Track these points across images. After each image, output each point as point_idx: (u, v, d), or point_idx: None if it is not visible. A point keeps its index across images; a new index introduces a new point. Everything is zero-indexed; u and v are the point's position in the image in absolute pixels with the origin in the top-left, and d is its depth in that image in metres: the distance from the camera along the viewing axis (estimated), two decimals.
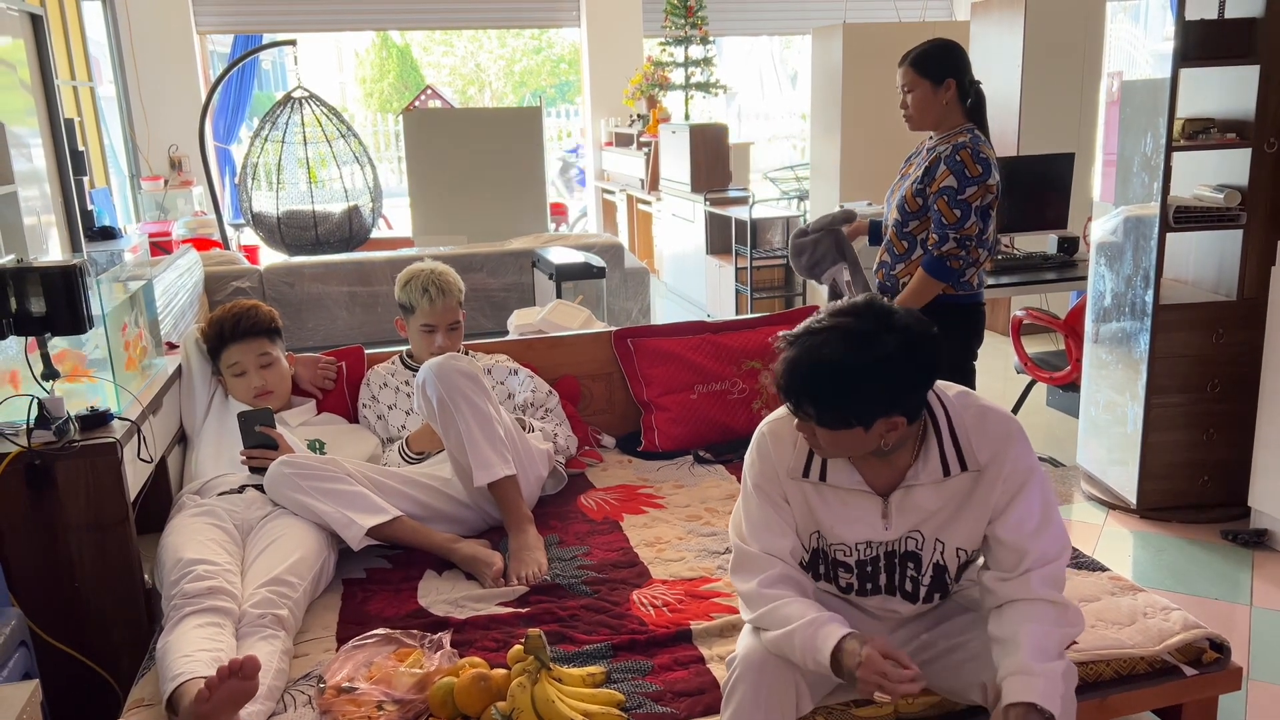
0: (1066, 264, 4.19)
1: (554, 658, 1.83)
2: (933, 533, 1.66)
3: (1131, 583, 2.13)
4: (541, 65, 18.11)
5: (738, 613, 1.81)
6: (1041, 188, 4.19)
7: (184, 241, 5.90)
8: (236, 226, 6.99)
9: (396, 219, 8.44)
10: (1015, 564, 1.61)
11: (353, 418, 2.85)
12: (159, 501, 2.46)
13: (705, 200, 6.42)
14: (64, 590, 2.07)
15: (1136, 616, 1.98)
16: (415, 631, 1.97)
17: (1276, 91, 3.07)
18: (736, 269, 6.10)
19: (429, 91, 9.01)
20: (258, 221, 5.64)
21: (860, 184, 5.79)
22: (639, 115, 8.05)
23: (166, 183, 7.23)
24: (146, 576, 2.20)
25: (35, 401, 2.06)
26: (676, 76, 8.05)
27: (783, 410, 1.67)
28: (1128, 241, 3.34)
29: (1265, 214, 3.15)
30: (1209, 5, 3.11)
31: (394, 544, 2.33)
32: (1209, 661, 1.92)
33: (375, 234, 5.99)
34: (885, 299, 1.59)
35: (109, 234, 5.49)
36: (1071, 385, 3.97)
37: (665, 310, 6.72)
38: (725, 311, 6.24)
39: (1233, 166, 3.18)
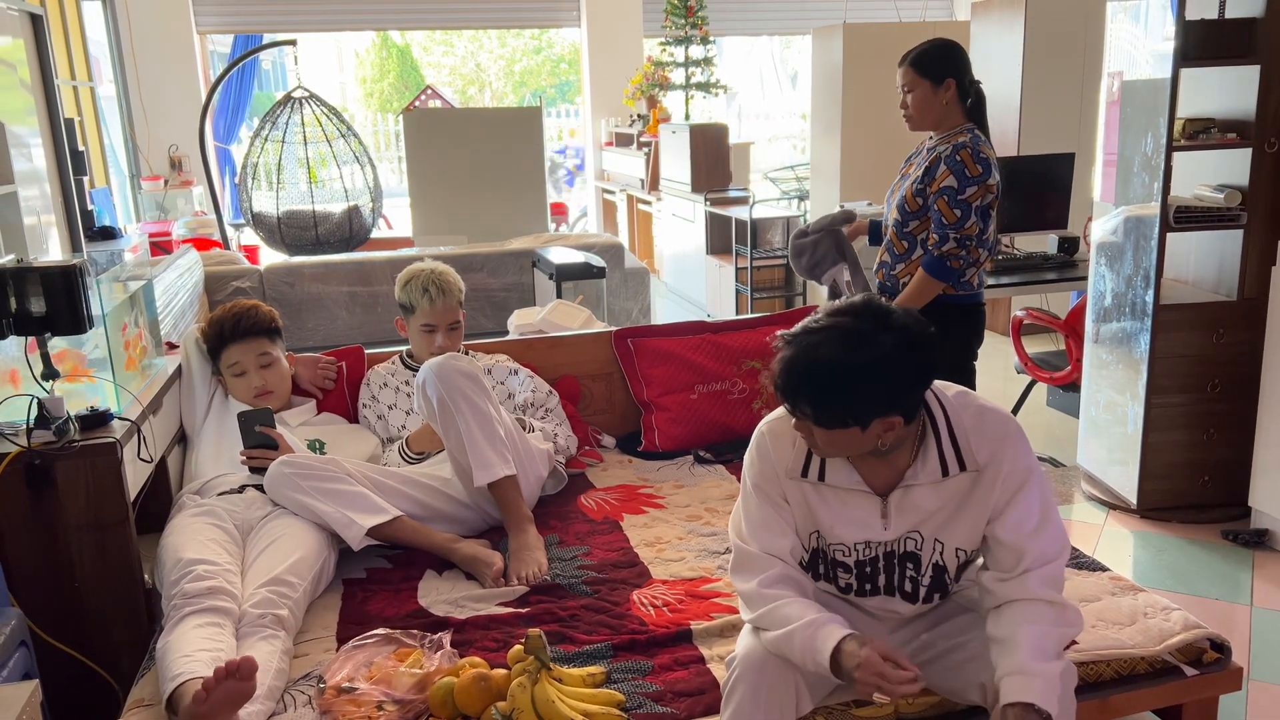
0: (1067, 264, 4.19)
1: (554, 658, 1.83)
2: (932, 533, 1.66)
3: (1132, 583, 2.13)
4: (542, 65, 18.11)
5: (738, 613, 1.81)
6: (1041, 188, 4.19)
7: (184, 241, 5.90)
8: (237, 226, 6.99)
9: (397, 219, 8.44)
10: (1014, 564, 1.61)
11: (353, 418, 2.85)
12: (159, 501, 2.46)
13: (705, 200, 6.42)
14: (64, 590, 2.08)
15: (1137, 616, 1.98)
16: (415, 631, 1.97)
17: (1277, 91, 3.07)
18: (737, 269, 6.10)
19: (429, 91, 9.01)
20: (258, 221, 5.64)
21: (860, 184, 5.79)
22: (639, 115, 8.05)
23: (166, 183, 7.23)
24: (146, 576, 2.20)
25: (35, 401, 2.06)
26: (677, 76, 8.05)
27: (782, 410, 1.67)
28: (1128, 241, 3.34)
29: (1265, 214, 3.15)
30: (1209, 5, 3.11)
31: (394, 544, 2.33)
32: (1209, 661, 1.92)
33: (375, 234, 5.99)
34: (884, 299, 1.59)
35: (109, 234, 5.49)
36: (1072, 385, 3.97)
37: (665, 310, 6.72)
38: (725, 311, 6.24)
39: (1233, 166, 3.18)
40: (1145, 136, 3.24)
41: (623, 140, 8.19)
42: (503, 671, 1.79)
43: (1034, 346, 4.41)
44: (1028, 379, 4.20)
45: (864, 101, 5.80)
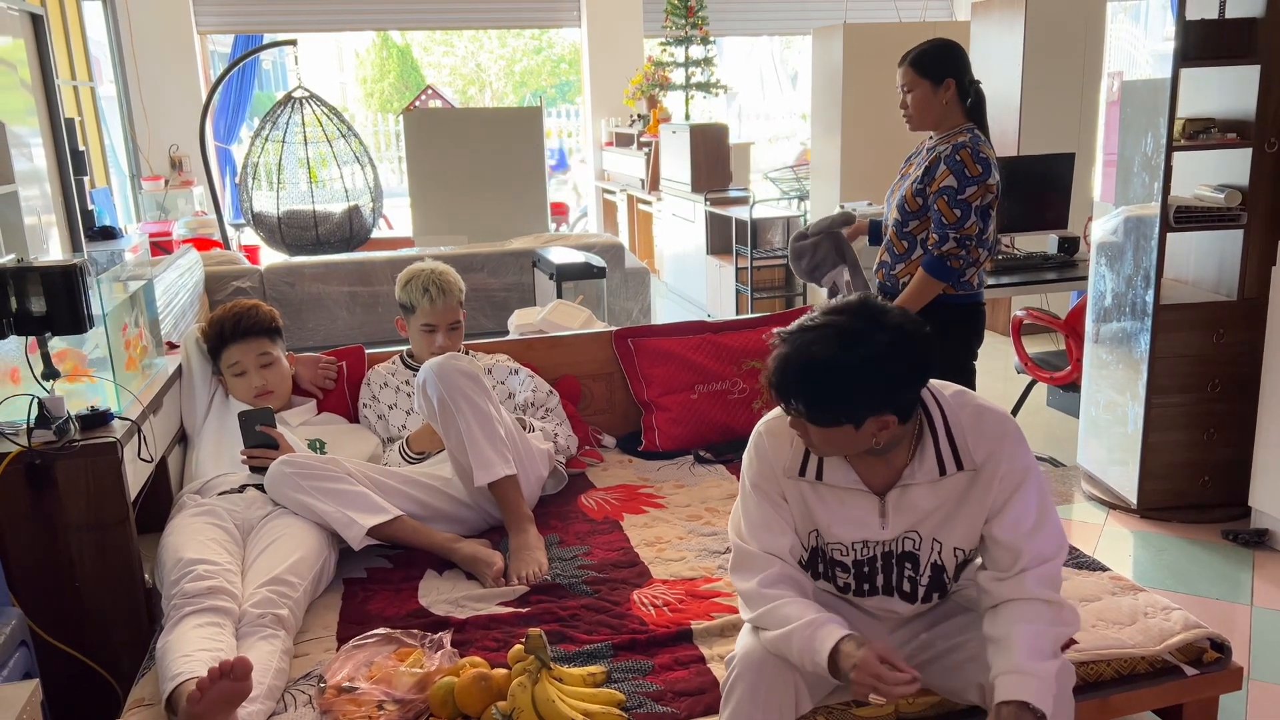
0: (1067, 264, 4.19)
1: (554, 657, 1.83)
2: (930, 532, 1.66)
3: (1132, 582, 2.13)
4: (542, 65, 18.11)
5: (738, 612, 1.81)
6: (1041, 188, 4.19)
7: (184, 241, 5.90)
8: (237, 226, 6.99)
9: (397, 219, 8.44)
10: (1011, 564, 1.61)
11: (353, 417, 2.85)
12: (159, 501, 2.46)
13: (705, 200, 6.42)
14: (64, 590, 2.08)
15: (1137, 616, 1.98)
16: (416, 631, 1.98)
17: (1277, 91, 3.07)
18: (737, 269, 6.10)
19: (429, 91, 9.01)
20: (258, 221, 5.64)
21: (860, 184, 5.79)
22: (639, 115, 8.05)
23: (167, 182, 7.23)
24: (147, 576, 2.20)
25: (36, 401, 2.06)
26: (677, 76, 8.05)
27: (780, 410, 1.67)
28: (1128, 241, 3.34)
29: (1266, 214, 3.15)
30: (1209, 5, 3.11)
31: (394, 544, 2.33)
32: (1210, 661, 1.92)
33: (376, 234, 5.99)
34: (880, 298, 1.59)
35: (109, 234, 5.49)
36: (1072, 385, 3.97)
37: (665, 310, 6.72)
38: (725, 311, 6.24)
39: (1233, 166, 3.18)
40: (1145, 136, 3.24)
41: (623, 140, 8.19)
42: (503, 671, 1.79)
43: (1034, 346, 4.41)
44: (1028, 379, 4.20)
45: (864, 101, 5.80)
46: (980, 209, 2.68)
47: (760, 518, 1.69)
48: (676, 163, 6.88)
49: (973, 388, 2.48)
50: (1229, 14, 3.09)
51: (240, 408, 2.57)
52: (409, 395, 2.78)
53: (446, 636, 1.95)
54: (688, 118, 8.03)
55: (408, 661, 1.85)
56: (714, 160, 6.66)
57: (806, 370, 1.51)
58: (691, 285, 6.99)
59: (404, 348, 2.91)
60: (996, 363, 4.89)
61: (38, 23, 4.83)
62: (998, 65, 5.09)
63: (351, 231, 5.67)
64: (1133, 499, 3.37)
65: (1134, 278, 3.30)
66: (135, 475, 2.16)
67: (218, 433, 2.59)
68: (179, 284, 3.41)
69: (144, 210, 7.21)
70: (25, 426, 2.04)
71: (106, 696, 2.11)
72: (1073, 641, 1.86)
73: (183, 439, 2.67)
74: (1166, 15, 3.26)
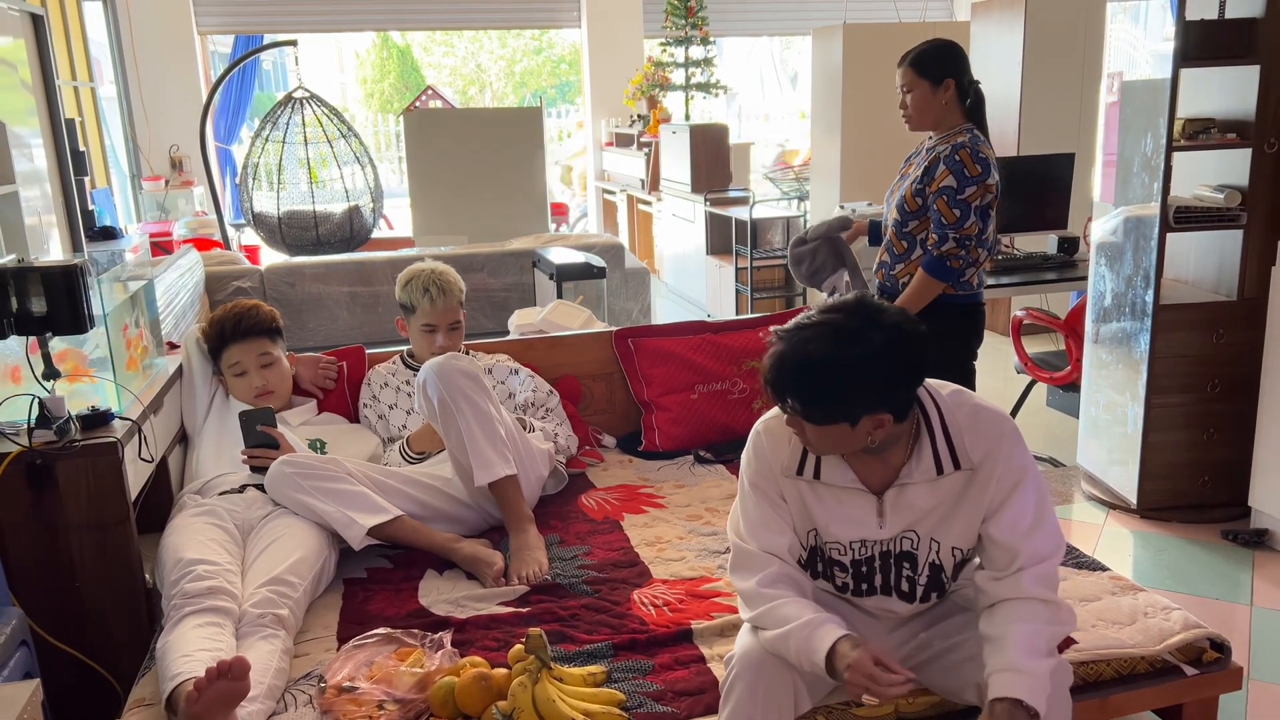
0: (1066, 264, 4.19)
1: (555, 657, 1.83)
2: (928, 532, 1.66)
3: (1132, 582, 2.13)
4: (542, 66, 18.11)
5: (738, 612, 1.82)
6: (1041, 188, 4.19)
7: (185, 241, 5.90)
8: (237, 226, 6.99)
9: (397, 219, 8.44)
10: (1008, 563, 1.61)
11: (353, 417, 2.85)
12: (160, 501, 2.46)
13: (705, 200, 6.42)
14: (65, 590, 2.08)
15: (1137, 616, 1.98)
16: (416, 631, 1.98)
17: (1277, 91, 3.07)
18: (737, 269, 6.10)
19: (429, 92, 9.01)
20: (258, 221, 5.64)
21: (860, 184, 5.79)
22: (639, 115, 8.06)
23: (167, 183, 7.23)
24: (147, 576, 2.21)
25: (36, 401, 2.06)
26: (677, 77, 8.05)
27: (778, 409, 1.67)
28: (1128, 241, 3.34)
29: (1265, 214, 3.16)
30: (1209, 5, 3.12)
31: (395, 544, 2.34)
32: (1209, 661, 1.92)
33: (376, 234, 5.99)
34: (877, 298, 1.59)
35: (110, 234, 5.49)
36: (1072, 385, 3.98)
37: (665, 310, 6.72)
38: (725, 311, 6.24)
39: (1233, 166, 3.18)
40: (1145, 136, 3.24)
41: (623, 140, 8.19)
42: (503, 671, 1.79)
43: (1034, 346, 4.41)
44: (1028, 379, 4.20)
45: (864, 102, 5.80)
46: (980, 209, 2.68)
47: (759, 517, 1.69)
48: (676, 163, 6.88)
49: (972, 388, 2.48)
50: (1229, 14, 3.10)
51: (241, 408, 2.57)
52: (409, 395, 2.78)
53: (447, 636, 1.95)
54: (688, 118, 8.03)
55: (408, 661, 1.85)
56: (714, 160, 6.66)
57: (802, 368, 1.52)
58: (691, 285, 6.99)
59: (404, 348, 2.91)
60: (996, 363, 4.89)
61: (38, 23, 4.83)
62: (997, 65, 5.09)
63: (352, 232, 5.68)
64: (1132, 499, 3.37)
65: (1134, 278, 3.30)
66: (136, 475, 2.16)
67: (218, 433, 2.59)
68: (179, 284, 3.41)
69: (144, 210, 7.21)
70: (26, 426, 2.04)
71: (107, 696, 2.11)
72: (1072, 641, 1.86)
73: (183, 439, 2.67)
74: (1166, 15, 3.26)
